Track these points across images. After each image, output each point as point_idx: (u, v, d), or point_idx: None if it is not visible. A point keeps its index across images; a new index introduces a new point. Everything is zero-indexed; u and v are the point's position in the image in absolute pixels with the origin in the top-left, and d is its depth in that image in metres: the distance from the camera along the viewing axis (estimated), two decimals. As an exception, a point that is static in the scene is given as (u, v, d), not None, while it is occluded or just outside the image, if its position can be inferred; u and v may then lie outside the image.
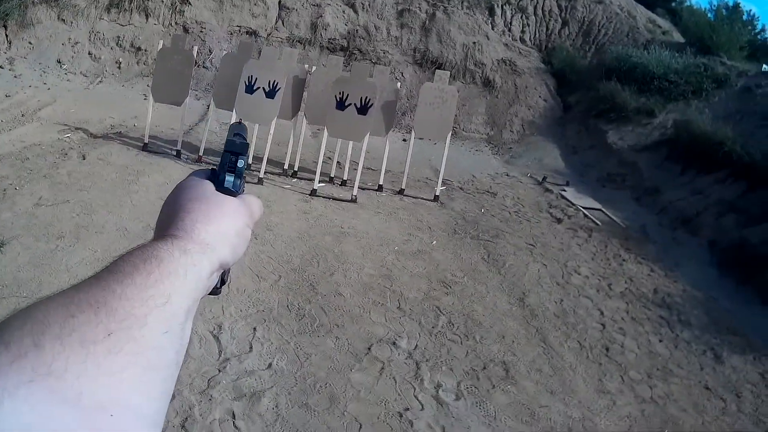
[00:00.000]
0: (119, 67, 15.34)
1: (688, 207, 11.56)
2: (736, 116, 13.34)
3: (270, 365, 5.55)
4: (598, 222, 11.43)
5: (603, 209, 12.03)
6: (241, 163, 1.08)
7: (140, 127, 10.90)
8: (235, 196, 1.05)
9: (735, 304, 8.76)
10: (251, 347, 5.75)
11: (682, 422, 6.20)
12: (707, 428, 6.19)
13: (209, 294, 0.95)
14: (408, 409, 5.38)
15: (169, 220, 0.94)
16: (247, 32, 16.57)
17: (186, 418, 4.69)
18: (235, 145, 1.08)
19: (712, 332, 7.97)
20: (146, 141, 10.78)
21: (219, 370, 5.31)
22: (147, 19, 16.02)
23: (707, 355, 7.47)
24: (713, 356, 7.46)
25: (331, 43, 17.11)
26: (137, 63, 15.49)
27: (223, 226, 0.97)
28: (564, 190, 12.98)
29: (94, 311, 0.69)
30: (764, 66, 16.73)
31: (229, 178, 1.06)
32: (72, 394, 0.62)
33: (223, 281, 1.02)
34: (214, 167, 1.09)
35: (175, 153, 10.76)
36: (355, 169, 10.65)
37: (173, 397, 4.80)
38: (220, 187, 1.04)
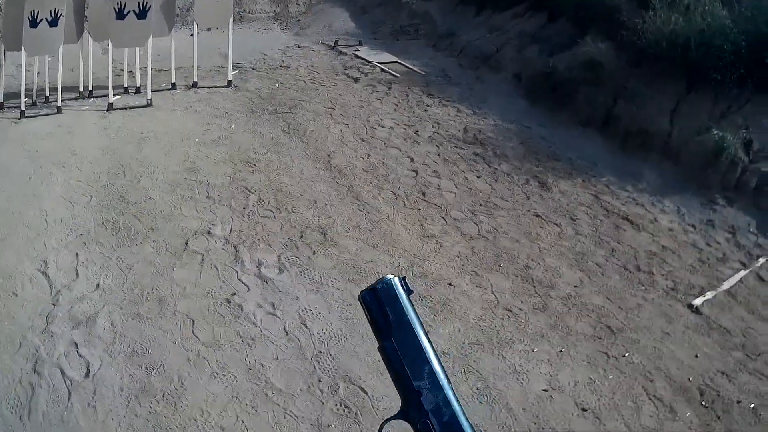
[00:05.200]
0: None
1: (487, 45, 11.03)
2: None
3: (98, 285, 5.37)
4: (396, 74, 10.82)
5: (399, 61, 11.41)
6: None
7: (-57, 88, 9.88)
8: None
9: (551, 130, 8.38)
10: (77, 273, 5.54)
11: (517, 253, 5.79)
12: (545, 255, 5.78)
13: None
14: (235, 293, 5.31)
15: None
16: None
17: (35, 362, 4.54)
18: None
19: (532, 161, 7.57)
20: (-53, 104, 9.84)
21: (53, 305, 5.14)
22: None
23: (531, 184, 7.06)
24: (538, 184, 7.06)
25: (109, -46, 15.66)
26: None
27: None
28: (357, 50, 12.26)
29: None
30: None
31: None
32: None
33: None
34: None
35: (-24, 105, 9.92)
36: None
37: (20, 345, 4.63)
38: None
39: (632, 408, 4.19)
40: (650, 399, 4.27)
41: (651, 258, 5.82)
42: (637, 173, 7.24)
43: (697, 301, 5.27)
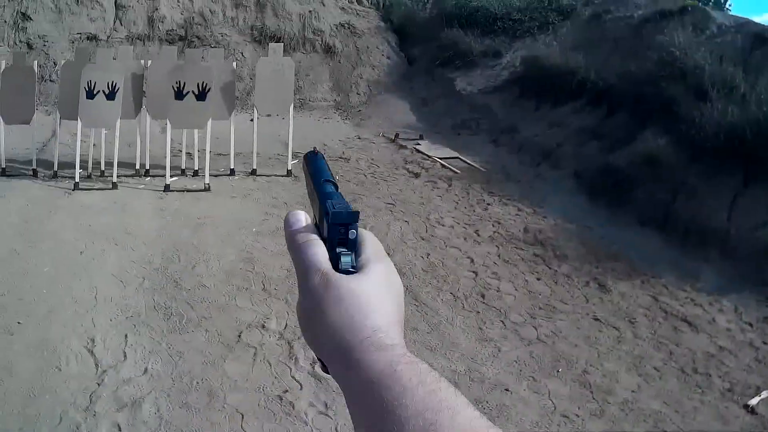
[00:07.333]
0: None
1: (547, 141, 11.14)
2: (587, 45, 12.92)
3: (146, 370, 5.38)
4: (457, 170, 10.97)
5: (460, 156, 11.58)
6: (353, 235, 0.94)
7: (-4, 154, 10.18)
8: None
9: (611, 229, 8.36)
10: (125, 355, 5.58)
11: (575, 358, 5.75)
12: (603, 359, 5.73)
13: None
14: (287, 390, 5.23)
15: (369, 324, 0.84)
16: (87, 38, 15.72)
17: (76, 439, 4.53)
18: (342, 216, 0.92)
19: (592, 262, 7.55)
20: (3, 166, 10.16)
21: (98, 384, 5.16)
22: (-7, 42, 14.95)
23: (591, 286, 7.04)
24: (597, 286, 7.03)
25: (170, 35, 16.39)
26: (-12, 90, 14.53)
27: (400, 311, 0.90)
28: (418, 144, 12.50)
29: None
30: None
31: (346, 259, 0.92)
32: None
33: None
34: (316, 222, 0.98)
35: (31, 173, 10.15)
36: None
37: (60, 420, 4.58)
38: (337, 267, 0.91)
39: None
40: None
41: (708, 359, 5.75)
42: (696, 272, 7.17)
43: (753, 401, 5.19)
